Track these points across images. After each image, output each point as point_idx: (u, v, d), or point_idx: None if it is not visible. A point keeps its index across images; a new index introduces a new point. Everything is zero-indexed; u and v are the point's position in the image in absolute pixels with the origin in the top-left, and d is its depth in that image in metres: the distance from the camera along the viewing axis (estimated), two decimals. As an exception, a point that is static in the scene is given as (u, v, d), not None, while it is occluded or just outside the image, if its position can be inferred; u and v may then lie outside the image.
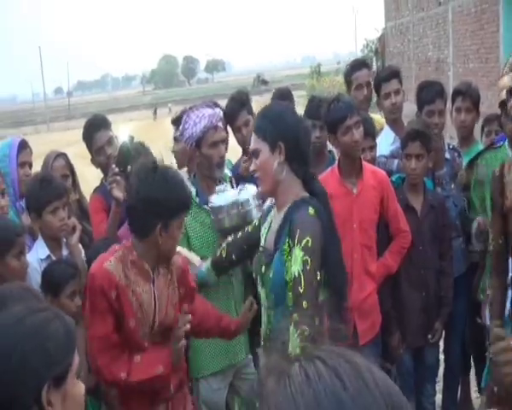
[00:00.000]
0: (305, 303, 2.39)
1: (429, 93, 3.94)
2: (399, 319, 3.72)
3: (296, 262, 2.41)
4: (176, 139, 4.28)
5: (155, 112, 42.76)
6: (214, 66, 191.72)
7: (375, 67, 17.62)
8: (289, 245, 2.48)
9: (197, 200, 3.36)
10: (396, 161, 3.93)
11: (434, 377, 3.98)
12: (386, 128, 4.33)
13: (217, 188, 3.33)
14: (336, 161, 3.55)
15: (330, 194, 3.43)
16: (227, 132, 3.62)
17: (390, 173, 3.82)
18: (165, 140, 4.37)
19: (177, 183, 2.55)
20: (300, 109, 4.58)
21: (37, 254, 3.21)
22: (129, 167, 3.45)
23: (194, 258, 3.15)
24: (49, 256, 3.22)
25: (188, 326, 2.61)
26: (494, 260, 3.16)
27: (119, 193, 3.43)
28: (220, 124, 3.37)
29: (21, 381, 1.34)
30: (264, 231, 2.77)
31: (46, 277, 3.04)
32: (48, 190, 3.20)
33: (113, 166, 3.52)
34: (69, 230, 3.31)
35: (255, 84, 58.22)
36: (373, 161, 3.78)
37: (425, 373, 3.86)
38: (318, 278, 2.45)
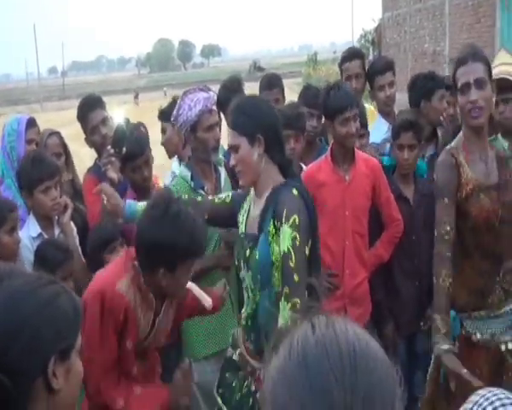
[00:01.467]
0: (296, 277, 2.42)
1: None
2: (393, 308, 3.73)
3: (285, 239, 2.45)
4: (163, 131, 4.30)
5: (137, 96, 40.93)
6: (210, 51, 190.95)
7: (371, 57, 17.60)
8: (275, 226, 2.50)
9: (192, 184, 3.37)
10: (388, 145, 3.95)
11: (426, 366, 3.99)
12: (380, 118, 4.35)
13: None
14: (329, 149, 3.57)
15: (323, 181, 3.46)
16: (220, 119, 3.64)
17: (382, 156, 3.87)
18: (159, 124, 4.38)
19: (189, 227, 2.33)
20: (295, 97, 4.62)
21: (28, 232, 3.23)
22: (124, 149, 3.48)
23: (206, 298, 2.96)
24: (40, 234, 3.24)
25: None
26: (442, 246, 2.95)
27: (113, 174, 3.44)
28: (215, 107, 3.38)
29: (31, 352, 1.36)
30: (242, 218, 2.78)
31: (39, 260, 3.05)
32: (39, 168, 3.21)
33: (109, 147, 3.53)
34: (61, 209, 3.32)
35: (251, 70, 58.07)
36: (363, 148, 3.79)
37: (416, 361, 3.85)
38: (306, 252, 2.50)
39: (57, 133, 3.93)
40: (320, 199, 3.34)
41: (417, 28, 20.19)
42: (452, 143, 3.04)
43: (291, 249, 2.44)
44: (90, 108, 3.83)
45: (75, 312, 1.47)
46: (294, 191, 2.54)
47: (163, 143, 4.34)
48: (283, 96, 4.58)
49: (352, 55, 4.54)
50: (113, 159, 3.46)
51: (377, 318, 3.65)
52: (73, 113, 4.05)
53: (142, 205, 2.87)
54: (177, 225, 2.30)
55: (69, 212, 3.36)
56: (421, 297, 3.71)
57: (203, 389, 3.43)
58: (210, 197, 3.04)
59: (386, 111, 4.34)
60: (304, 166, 3.76)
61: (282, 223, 2.47)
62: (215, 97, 3.42)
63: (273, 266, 2.52)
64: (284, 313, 2.40)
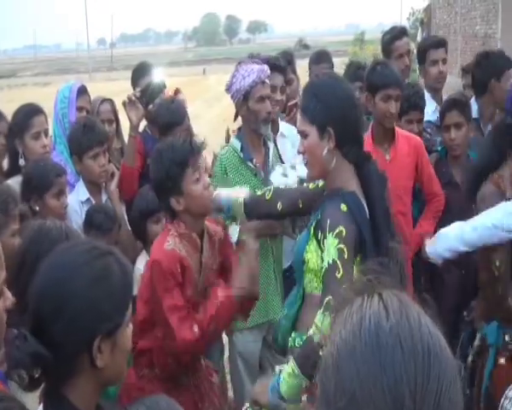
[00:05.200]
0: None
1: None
2: (436, 296, 3.66)
3: (330, 250, 2.22)
4: None
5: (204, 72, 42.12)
6: (256, 27, 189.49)
7: (419, 38, 17.26)
8: (315, 231, 2.36)
9: (241, 155, 3.44)
10: (439, 139, 3.91)
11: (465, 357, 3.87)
12: (427, 96, 4.30)
13: (278, 167, 3.38)
14: (369, 127, 3.58)
15: None
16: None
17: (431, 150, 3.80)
18: (204, 98, 4.44)
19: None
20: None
21: (77, 196, 3.35)
22: (150, 106, 3.66)
23: (241, 191, 2.92)
24: (88, 199, 3.36)
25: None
26: None
27: (132, 114, 3.59)
28: (267, 80, 3.42)
29: (76, 329, 1.38)
30: None
31: (88, 221, 3.17)
32: (90, 135, 3.31)
33: (138, 89, 3.70)
34: (108, 176, 3.44)
35: (297, 48, 57.49)
36: (420, 134, 3.77)
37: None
38: (352, 271, 2.24)
39: (110, 100, 4.04)
40: None
41: (469, 9, 19.69)
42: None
43: (337, 261, 2.20)
44: (141, 73, 3.98)
45: (125, 287, 1.47)
46: (343, 206, 2.28)
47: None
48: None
49: (402, 33, 4.53)
50: (134, 99, 3.60)
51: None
52: (121, 84, 4.18)
53: (235, 202, 2.85)
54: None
55: (116, 180, 3.48)
56: (466, 287, 3.60)
57: (245, 360, 3.53)
58: (305, 185, 2.88)
59: (436, 88, 4.27)
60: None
61: (325, 234, 2.26)
62: (268, 70, 3.45)
63: (304, 264, 2.41)
64: (324, 326, 2.16)
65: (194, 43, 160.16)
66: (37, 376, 1.36)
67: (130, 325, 1.51)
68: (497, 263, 2.81)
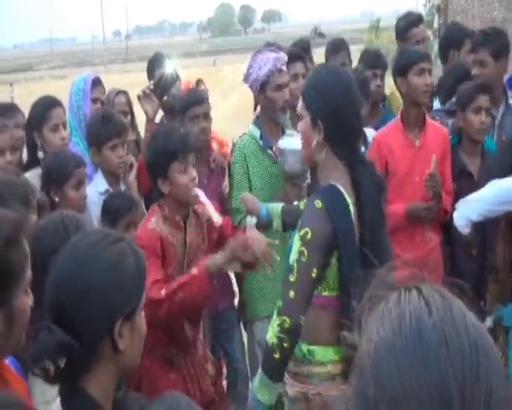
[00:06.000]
0: (292, 293, 2.22)
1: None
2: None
3: (294, 250, 2.25)
4: None
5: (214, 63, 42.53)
6: (271, 16, 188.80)
7: (436, 25, 17.10)
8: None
9: (261, 143, 3.45)
10: (450, 121, 3.87)
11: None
12: None
13: (287, 131, 3.38)
14: (399, 112, 3.57)
15: (392, 146, 3.42)
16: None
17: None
18: (220, 88, 4.44)
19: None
20: (356, 63, 4.63)
21: (96, 187, 3.36)
22: (165, 97, 3.70)
23: (215, 214, 3.10)
24: (107, 190, 3.37)
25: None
26: None
27: (148, 107, 3.62)
28: (284, 68, 3.42)
29: (98, 315, 1.39)
30: None
31: (105, 207, 3.19)
32: (108, 126, 3.33)
33: (151, 82, 3.73)
34: (127, 167, 3.45)
35: (312, 36, 57.26)
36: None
37: None
38: (313, 275, 2.23)
39: (124, 92, 4.06)
40: (391, 164, 3.36)
41: (486, -6, 19.44)
42: None
43: (295, 264, 2.23)
44: (156, 63, 4.01)
45: (140, 270, 1.49)
46: (318, 203, 2.25)
47: None
48: (350, 61, 4.60)
49: (418, 20, 4.62)
50: (149, 92, 3.63)
51: None
52: (136, 75, 4.21)
53: (275, 207, 2.94)
54: None
55: (134, 171, 3.49)
56: (484, 275, 3.54)
57: (262, 345, 3.53)
58: None
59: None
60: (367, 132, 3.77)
61: (297, 232, 2.27)
62: (285, 58, 3.45)
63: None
64: (273, 329, 2.24)
65: (209, 34, 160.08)
66: (62, 366, 1.37)
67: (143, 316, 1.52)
68: None
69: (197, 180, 2.83)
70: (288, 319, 2.20)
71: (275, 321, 2.23)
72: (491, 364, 0.82)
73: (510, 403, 0.83)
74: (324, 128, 2.29)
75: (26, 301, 1.57)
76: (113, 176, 3.42)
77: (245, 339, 3.85)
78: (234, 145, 3.63)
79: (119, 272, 1.44)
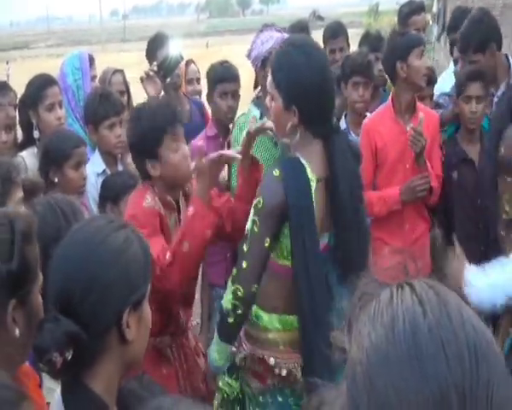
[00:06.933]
0: (244, 263, 2.27)
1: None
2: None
3: (249, 219, 2.27)
4: None
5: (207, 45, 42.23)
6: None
7: (435, 9, 17.03)
8: None
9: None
10: (450, 106, 3.84)
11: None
12: (452, 69, 4.30)
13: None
14: (389, 98, 3.54)
15: (383, 133, 3.41)
16: None
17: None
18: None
19: None
20: (355, 47, 4.64)
21: (93, 168, 3.31)
22: (168, 79, 3.66)
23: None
24: (104, 171, 3.33)
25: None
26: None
27: (150, 88, 3.56)
28: None
29: (105, 304, 1.36)
30: None
31: (108, 184, 3.13)
32: (106, 105, 3.28)
33: (155, 63, 3.66)
34: (124, 147, 3.40)
35: (310, 19, 57.02)
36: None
37: None
38: (266, 244, 2.26)
39: (121, 71, 4.01)
40: (381, 151, 3.34)
41: (487, -22, 19.31)
42: None
43: (248, 232, 2.26)
44: (158, 44, 3.94)
45: (146, 257, 1.46)
46: (276, 172, 2.25)
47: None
48: (348, 44, 4.61)
49: (420, 8, 4.79)
50: (152, 74, 3.57)
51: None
52: (133, 55, 4.15)
53: None
54: None
55: (131, 151, 3.44)
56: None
57: None
58: None
59: None
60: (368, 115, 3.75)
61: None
62: None
63: None
64: (228, 295, 2.30)
65: (207, 15, 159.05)
66: (69, 358, 1.32)
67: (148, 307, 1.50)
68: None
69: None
70: (240, 288, 2.27)
71: (229, 288, 2.30)
72: (491, 365, 0.77)
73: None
74: (299, 112, 2.26)
75: (40, 299, 1.52)
76: (110, 156, 3.38)
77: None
78: (233, 124, 3.59)
79: (127, 259, 1.40)
